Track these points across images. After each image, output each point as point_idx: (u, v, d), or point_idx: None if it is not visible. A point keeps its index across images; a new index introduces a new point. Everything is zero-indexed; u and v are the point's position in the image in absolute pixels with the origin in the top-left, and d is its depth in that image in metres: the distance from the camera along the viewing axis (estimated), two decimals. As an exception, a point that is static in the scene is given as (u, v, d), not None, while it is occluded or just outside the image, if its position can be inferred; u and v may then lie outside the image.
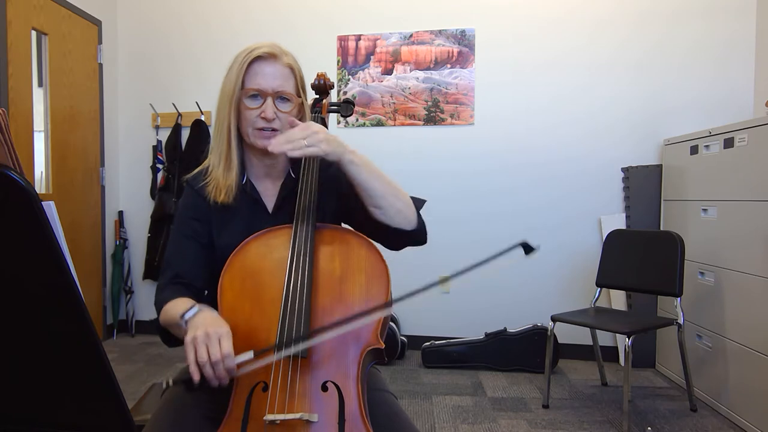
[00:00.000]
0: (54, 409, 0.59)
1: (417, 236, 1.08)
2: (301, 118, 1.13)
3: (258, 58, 1.05)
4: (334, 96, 3.35)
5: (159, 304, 1.03)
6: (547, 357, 2.47)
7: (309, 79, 1.26)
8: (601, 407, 2.45)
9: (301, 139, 0.96)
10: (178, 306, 0.96)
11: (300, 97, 1.10)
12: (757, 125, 2.17)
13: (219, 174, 1.09)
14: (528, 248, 0.80)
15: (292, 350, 0.87)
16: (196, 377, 0.80)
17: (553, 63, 3.15)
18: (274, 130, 1.06)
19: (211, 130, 1.15)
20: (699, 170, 2.60)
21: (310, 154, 0.96)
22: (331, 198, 1.15)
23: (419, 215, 1.09)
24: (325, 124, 1.23)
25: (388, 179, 1.04)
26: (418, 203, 1.10)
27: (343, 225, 1.17)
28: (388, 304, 0.95)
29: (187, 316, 0.89)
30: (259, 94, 1.05)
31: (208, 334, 0.82)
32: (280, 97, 1.06)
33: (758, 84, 2.91)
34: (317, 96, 1.27)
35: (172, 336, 1.02)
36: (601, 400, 2.53)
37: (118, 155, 3.71)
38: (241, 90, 1.05)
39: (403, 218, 1.04)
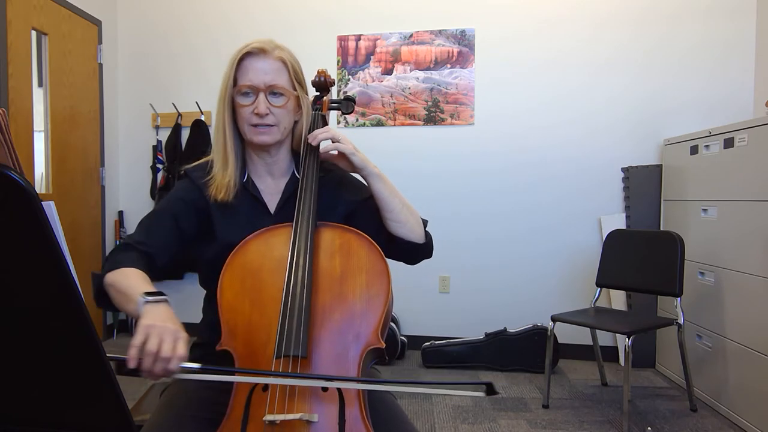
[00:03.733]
0: (54, 409, 0.59)
1: (427, 249, 1.16)
2: (300, 110, 1.13)
3: (248, 54, 1.06)
4: (334, 94, 3.35)
5: (117, 262, 0.97)
6: (547, 357, 2.47)
7: (310, 77, 1.26)
8: (601, 407, 2.45)
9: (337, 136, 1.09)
10: (142, 282, 0.92)
11: (295, 90, 1.10)
12: (757, 125, 2.17)
13: (217, 172, 1.10)
14: (491, 391, 0.79)
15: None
16: (132, 364, 0.76)
17: (553, 63, 3.15)
18: (269, 125, 1.06)
19: (211, 130, 1.17)
20: (699, 170, 2.60)
21: (341, 150, 1.08)
22: (342, 201, 1.16)
23: (426, 231, 1.17)
24: (325, 122, 1.23)
25: (402, 196, 1.13)
26: (423, 221, 1.17)
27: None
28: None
29: (151, 299, 0.85)
30: (251, 90, 1.05)
31: (168, 328, 0.79)
32: (272, 92, 1.06)
33: (758, 84, 2.91)
34: (318, 93, 1.26)
35: (108, 298, 0.96)
36: (601, 400, 2.53)
37: (118, 155, 3.71)
38: (234, 88, 1.06)
39: (414, 233, 1.13)
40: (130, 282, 0.92)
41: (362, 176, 1.12)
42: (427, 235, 1.16)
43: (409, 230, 1.12)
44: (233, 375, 0.88)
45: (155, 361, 0.77)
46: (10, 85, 2.70)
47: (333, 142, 1.09)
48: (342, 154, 1.10)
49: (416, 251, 1.15)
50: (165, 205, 1.11)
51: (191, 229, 1.10)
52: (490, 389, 0.78)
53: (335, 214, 1.14)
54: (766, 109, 2.66)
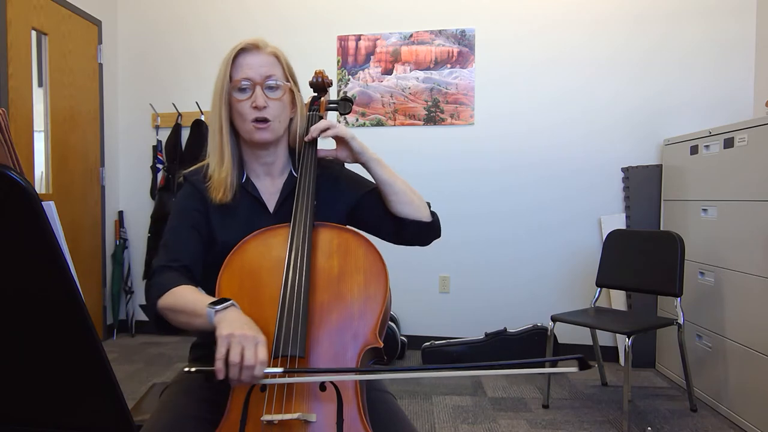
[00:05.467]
0: (54, 409, 0.59)
1: (435, 227, 1.19)
2: (295, 107, 1.14)
3: (242, 51, 1.08)
4: (333, 94, 3.35)
5: (162, 286, 0.98)
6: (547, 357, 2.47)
7: (308, 77, 1.26)
8: (601, 407, 2.45)
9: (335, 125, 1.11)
10: (199, 295, 0.94)
11: (289, 82, 1.11)
12: (757, 125, 2.17)
13: (214, 170, 1.10)
14: (584, 365, 0.76)
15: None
16: (221, 375, 0.79)
17: (553, 63, 3.15)
18: (266, 120, 1.07)
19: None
20: (699, 170, 2.60)
21: (339, 134, 1.09)
22: (342, 197, 1.17)
23: (432, 211, 1.19)
24: None
25: (403, 179, 1.15)
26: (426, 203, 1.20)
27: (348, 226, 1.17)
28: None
29: (220, 307, 0.86)
30: (248, 85, 1.06)
31: (246, 335, 0.80)
32: (269, 85, 1.07)
33: (758, 84, 2.91)
34: (315, 94, 1.26)
35: (167, 322, 0.98)
36: (601, 400, 2.53)
37: (118, 155, 3.72)
38: (230, 83, 1.07)
39: (421, 212, 1.15)
40: (189, 299, 0.94)
41: (362, 162, 1.13)
42: (434, 214, 1.19)
43: (416, 209, 1.14)
44: (318, 375, 0.88)
45: (241, 370, 0.79)
46: (10, 85, 2.71)
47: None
48: (341, 140, 1.11)
49: (426, 230, 1.17)
50: (180, 219, 1.10)
51: (208, 235, 1.10)
52: (583, 364, 0.76)
53: (336, 210, 1.15)
54: (766, 109, 2.66)
